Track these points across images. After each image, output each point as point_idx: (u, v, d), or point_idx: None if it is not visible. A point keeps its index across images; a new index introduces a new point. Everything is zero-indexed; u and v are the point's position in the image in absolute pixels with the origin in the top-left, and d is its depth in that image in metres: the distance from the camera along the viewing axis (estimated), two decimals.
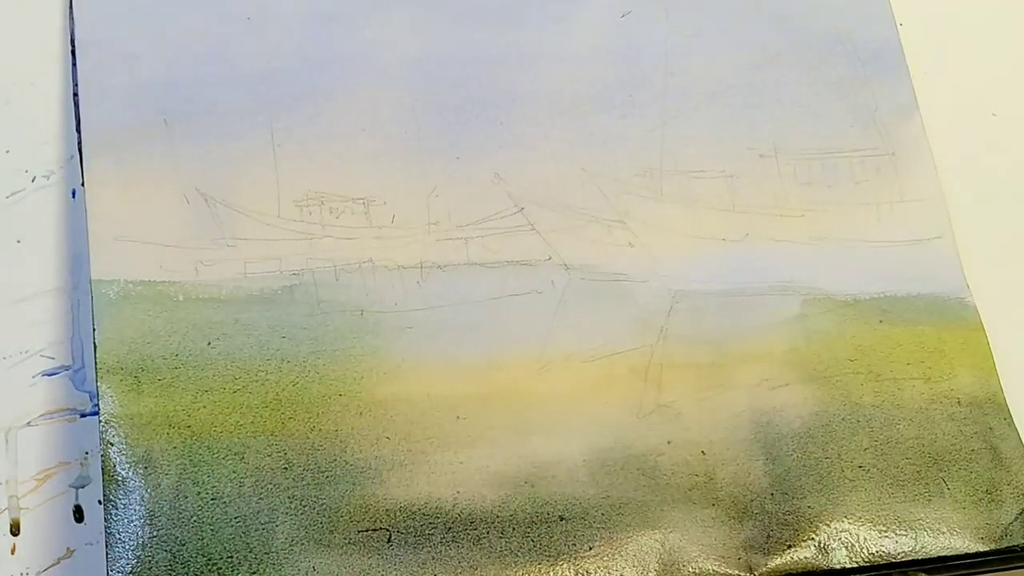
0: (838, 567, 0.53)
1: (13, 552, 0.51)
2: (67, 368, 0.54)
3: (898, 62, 0.65)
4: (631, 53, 0.62)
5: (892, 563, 0.54)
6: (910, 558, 0.54)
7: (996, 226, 0.64)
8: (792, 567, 0.53)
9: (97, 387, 0.50)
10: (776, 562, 0.53)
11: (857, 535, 0.54)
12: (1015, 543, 0.55)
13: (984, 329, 0.59)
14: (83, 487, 0.52)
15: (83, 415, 0.54)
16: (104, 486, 0.49)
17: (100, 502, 0.51)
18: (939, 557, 0.54)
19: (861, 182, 0.62)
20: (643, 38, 0.62)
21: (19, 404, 0.53)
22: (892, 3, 0.66)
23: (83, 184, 0.54)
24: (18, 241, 0.56)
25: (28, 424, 0.53)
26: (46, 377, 0.54)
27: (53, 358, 0.54)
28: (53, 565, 0.51)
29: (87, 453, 0.53)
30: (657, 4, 0.63)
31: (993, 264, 0.63)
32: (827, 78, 0.63)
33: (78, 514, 0.52)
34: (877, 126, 0.63)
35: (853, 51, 0.64)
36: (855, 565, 0.53)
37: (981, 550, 0.54)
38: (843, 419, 0.56)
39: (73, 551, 0.51)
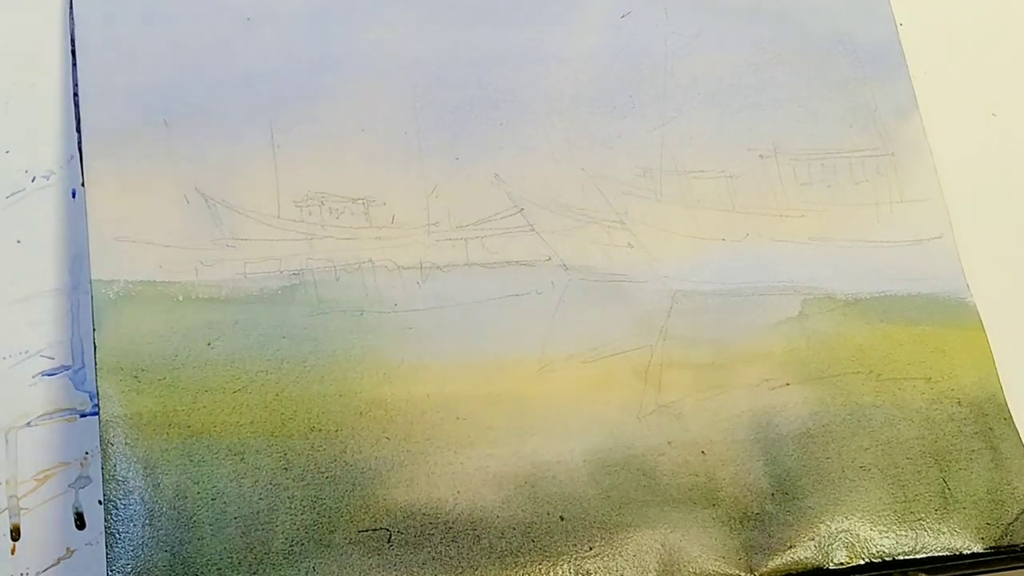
0: (838, 567, 0.53)
1: (13, 553, 0.51)
2: (67, 368, 0.54)
3: (898, 62, 0.65)
4: (631, 53, 0.62)
5: (892, 563, 0.54)
6: (910, 558, 0.54)
7: (996, 226, 0.64)
8: (792, 567, 0.53)
9: (97, 387, 0.50)
10: (776, 562, 0.53)
11: (857, 535, 0.54)
12: (1015, 543, 0.55)
13: (984, 329, 0.60)
14: (83, 487, 0.52)
15: (83, 415, 0.54)
16: (104, 486, 0.49)
17: (100, 502, 0.51)
18: (939, 557, 0.54)
19: (861, 182, 0.62)
20: (643, 38, 0.62)
21: (19, 404, 0.53)
22: (892, 3, 0.66)
23: (83, 184, 0.54)
24: (18, 241, 0.56)
25: (28, 424, 0.53)
26: (46, 377, 0.54)
27: (53, 358, 0.54)
28: (53, 565, 0.51)
29: (87, 453, 0.53)
30: (657, 4, 0.63)
31: (993, 264, 0.63)
32: (827, 78, 0.63)
33: (79, 521, 0.52)
34: (877, 126, 0.63)
35: (853, 51, 0.64)
36: (855, 565, 0.53)
37: (981, 550, 0.54)
38: (843, 419, 0.56)
39: (73, 551, 0.51)
